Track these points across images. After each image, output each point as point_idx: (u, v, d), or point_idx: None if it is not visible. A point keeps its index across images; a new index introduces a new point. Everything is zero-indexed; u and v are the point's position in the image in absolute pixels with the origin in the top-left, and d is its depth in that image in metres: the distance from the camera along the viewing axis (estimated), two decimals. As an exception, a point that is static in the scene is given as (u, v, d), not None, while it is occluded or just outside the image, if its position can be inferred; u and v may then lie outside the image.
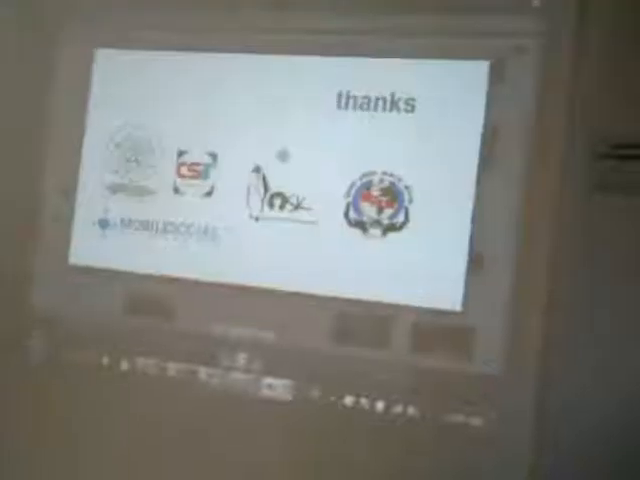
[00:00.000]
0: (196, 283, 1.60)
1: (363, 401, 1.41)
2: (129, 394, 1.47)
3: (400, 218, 1.53)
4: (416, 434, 1.34)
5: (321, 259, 1.55)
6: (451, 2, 1.48)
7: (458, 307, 1.44)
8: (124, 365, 1.56)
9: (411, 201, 1.53)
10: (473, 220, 1.46)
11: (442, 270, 1.47)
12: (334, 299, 1.52)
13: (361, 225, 1.55)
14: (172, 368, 1.52)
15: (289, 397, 1.45)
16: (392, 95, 1.55)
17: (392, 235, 1.53)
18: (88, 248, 1.72)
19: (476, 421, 1.35)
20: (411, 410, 1.39)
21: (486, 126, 1.46)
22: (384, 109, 1.56)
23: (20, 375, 1.57)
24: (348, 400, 1.42)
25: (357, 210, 1.55)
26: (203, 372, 1.51)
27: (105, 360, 1.58)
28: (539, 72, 1.41)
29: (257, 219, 1.62)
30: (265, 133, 1.61)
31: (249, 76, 1.64)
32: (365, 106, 1.56)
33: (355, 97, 1.57)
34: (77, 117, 1.72)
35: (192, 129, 1.67)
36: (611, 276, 1.26)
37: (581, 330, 1.26)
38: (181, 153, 1.68)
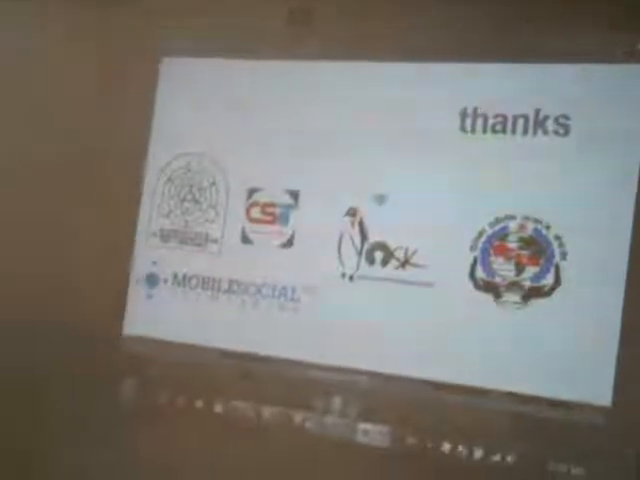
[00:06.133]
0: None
1: (460, 448, 1.33)
2: (223, 437, 1.44)
3: (549, 279, 1.31)
4: (516, 483, 1.30)
5: (438, 335, 1.35)
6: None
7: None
8: (218, 408, 1.47)
9: (564, 256, 1.31)
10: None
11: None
12: (449, 386, 1.35)
13: (493, 288, 1.34)
14: (267, 412, 1.45)
15: (386, 443, 1.37)
16: (537, 112, 1.34)
17: (537, 303, 1.31)
18: (135, 312, 1.57)
19: (579, 471, 1.26)
20: (510, 458, 1.30)
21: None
22: (525, 132, 1.35)
23: (113, 417, 1.52)
24: (445, 447, 1.34)
25: (487, 268, 1.35)
26: (298, 416, 1.43)
27: (199, 403, 1.49)
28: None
29: (351, 278, 1.42)
30: (363, 165, 1.43)
31: (342, 91, 1.45)
32: (499, 127, 1.36)
33: (485, 116, 1.37)
34: (137, 143, 1.57)
35: (267, 160, 1.49)
36: None
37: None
38: (253, 191, 1.50)
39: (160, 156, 1.56)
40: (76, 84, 1.57)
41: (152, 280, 1.54)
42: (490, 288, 1.34)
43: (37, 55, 1.58)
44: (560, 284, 1.30)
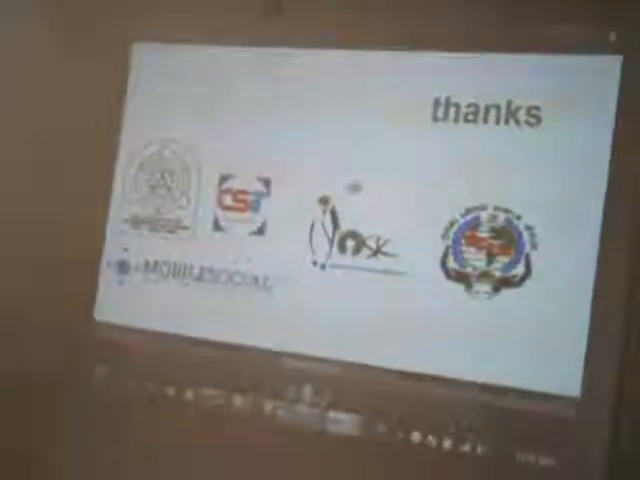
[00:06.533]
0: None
1: (430, 438, 1.31)
2: (193, 425, 1.44)
3: (519, 269, 1.29)
4: (484, 473, 1.29)
5: (408, 324, 1.33)
6: None
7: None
8: (189, 395, 1.45)
9: (535, 247, 1.29)
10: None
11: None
12: (419, 376, 1.33)
13: (464, 278, 1.32)
14: (237, 400, 1.43)
15: (355, 432, 1.35)
16: (509, 103, 1.32)
17: (507, 293, 1.30)
18: (107, 298, 1.55)
19: (548, 461, 1.24)
20: (480, 448, 1.28)
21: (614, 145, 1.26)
22: (497, 121, 1.33)
23: (84, 403, 1.51)
24: (415, 437, 1.32)
25: (459, 258, 1.32)
26: (269, 404, 1.41)
27: (170, 390, 1.46)
28: None
29: (323, 267, 1.39)
30: (335, 154, 1.40)
31: (316, 79, 1.43)
32: (471, 117, 1.34)
33: (457, 105, 1.35)
34: (108, 132, 1.55)
35: (240, 147, 1.46)
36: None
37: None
38: (224, 178, 1.47)
39: (132, 142, 1.53)
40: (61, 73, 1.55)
41: (123, 267, 1.52)
42: (461, 278, 1.31)
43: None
44: (530, 274, 1.28)
